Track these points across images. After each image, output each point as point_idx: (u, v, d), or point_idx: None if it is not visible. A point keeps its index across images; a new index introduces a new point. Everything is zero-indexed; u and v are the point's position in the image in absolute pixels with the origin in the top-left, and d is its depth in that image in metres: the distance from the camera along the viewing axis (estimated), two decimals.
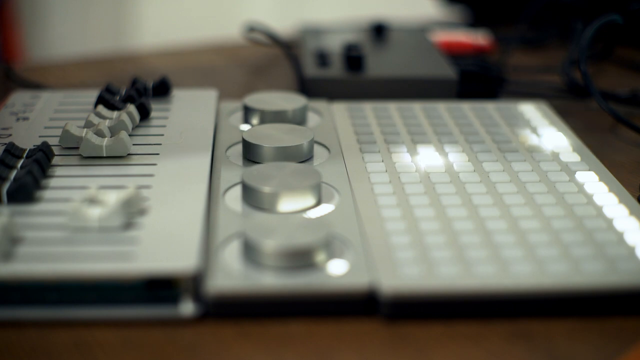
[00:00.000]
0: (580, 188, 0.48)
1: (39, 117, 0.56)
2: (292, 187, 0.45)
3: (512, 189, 0.48)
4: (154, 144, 0.51)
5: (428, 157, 0.52)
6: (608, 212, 0.45)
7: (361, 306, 0.39)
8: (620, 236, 0.43)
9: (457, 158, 0.52)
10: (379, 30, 0.79)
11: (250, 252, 0.40)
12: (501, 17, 0.94)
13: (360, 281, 0.39)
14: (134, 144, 0.51)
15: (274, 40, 0.77)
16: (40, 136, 0.52)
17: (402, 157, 0.52)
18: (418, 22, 0.90)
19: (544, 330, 0.38)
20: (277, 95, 0.59)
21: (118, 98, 0.57)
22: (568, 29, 0.84)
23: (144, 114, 0.55)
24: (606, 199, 0.47)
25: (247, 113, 0.57)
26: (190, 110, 0.58)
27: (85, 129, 0.51)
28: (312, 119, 0.59)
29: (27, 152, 0.48)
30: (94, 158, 0.49)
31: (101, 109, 0.54)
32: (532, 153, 0.53)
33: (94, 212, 0.41)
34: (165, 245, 0.40)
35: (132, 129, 0.53)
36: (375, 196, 0.47)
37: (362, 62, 0.67)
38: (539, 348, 0.37)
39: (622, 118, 0.60)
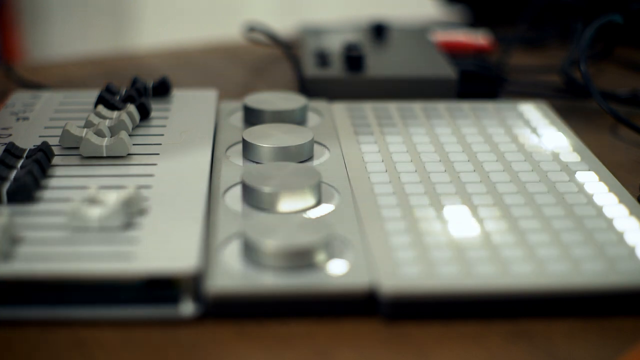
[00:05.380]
0: (580, 188, 0.48)
1: (39, 117, 0.56)
2: (292, 187, 0.45)
3: (512, 189, 0.48)
4: (154, 144, 0.51)
5: (428, 157, 0.52)
6: (608, 212, 0.45)
7: (361, 306, 0.39)
8: (620, 236, 0.43)
9: (457, 158, 0.52)
10: (379, 30, 0.79)
11: (250, 252, 0.40)
12: (501, 17, 0.94)
13: (360, 281, 0.39)
14: (134, 144, 0.51)
15: (274, 40, 0.77)
16: (40, 136, 0.52)
17: (402, 157, 0.52)
18: (418, 22, 0.90)
19: (544, 330, 0.38)
20: (277, 95, 0.59)
21: (118, 98, 0.57)
22: (568, 29, 0.84)
23: (144, 114, 0.55)
24: (606, 199, 0.47)
25: (247, 113, 0.57)
26: (190, 110, 0.58)
27: (85, 129, 0.51)
28: (312, 119, 0.59)
29: (27, 152, 0.48)
30: (94, 158, 0.49)
31: (101, 109, 0.54)
32: (532, 153, 0.53)
33: (94, 212, 0.41)
34: (165, 245, 0.40)
35: (132, 129, 0.53)
36: (375, 196, 0.47)
37: (362, 62, 0.67)
38: (539, 348, 0.37)
39: (622, 118, 0.60)
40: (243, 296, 0.38)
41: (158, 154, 0.50)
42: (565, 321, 0.39)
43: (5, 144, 0.49)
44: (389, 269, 0.39)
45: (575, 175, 0.50)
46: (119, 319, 0.38)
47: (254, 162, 0.51)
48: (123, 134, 0.50)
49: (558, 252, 0.41)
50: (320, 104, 0.61)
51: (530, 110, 0.61)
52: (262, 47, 0.81)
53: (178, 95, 0.61)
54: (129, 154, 0.50)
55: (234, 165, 0.50)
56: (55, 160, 0.49)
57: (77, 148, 0.50)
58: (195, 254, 0.39)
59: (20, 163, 0.47)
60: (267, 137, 0.51)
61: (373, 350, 0.37)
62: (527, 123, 0.58)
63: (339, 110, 0.60)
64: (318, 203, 0.45)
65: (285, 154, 0.50)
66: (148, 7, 1.82)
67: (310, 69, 0.68)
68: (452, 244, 0.42)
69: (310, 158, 0.52)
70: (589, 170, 0.51)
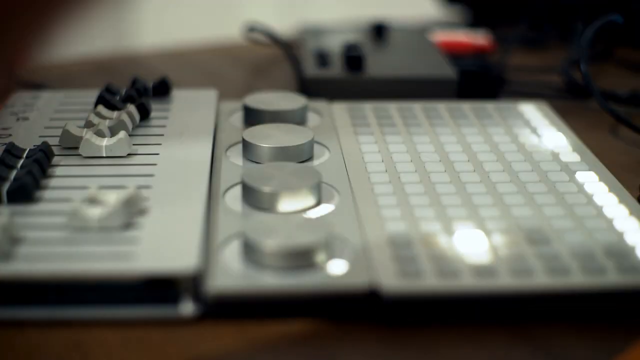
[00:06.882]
0: (580, 188, 0.48)
1: (39, 117, 0.56)
2: (292, 187, 0.45)
3: (512, 188, 0.48)
4: (154, 144, 0.51)
5: (428, 157, 0.52)
6: (608, 212, 0.45)
7: (361, 306, 0.39)
8: (620, 236, 0.43)
9: (457, 158, 0.52)
10: (379, 30, 0.79)
11: (250, 252, 0.40)
12: (501, 17, 0.94)
13: (360, 281, 0.39)
14: (134, 144, 0.51)
15: (274, 40, 0.77)
16: (40, 136, 0.52)
17: (402, 157, 0.52)
18: (418, 22, 0.90)
19: (544, 330, 0.38)
20: (277, 95, 0.59)
21: (118, 98, 0.57)
22: (568, 29, 0.84)
23: (144, 114, 0.55)
24: (606, 199, 0.47)
25: (247, 113, 0.57)
26: (190, 110, 0.58)
27: (85, 129, 0.51)
28: (312, 119, 0.59)
29: (27, 152, 0.48)
30: (94, 158, 0.49)
31: (101, 109, 0.54)
32: (532, 153, 0.53)
33: (94, 212, 0.41)
34: (165, 245, 0.40)
35: (132, 129, 0.53)
36: (375, 196, 0.47)
37: (362, 62, 0.67)
38: (539, 348, 0.37)
39: (622, 118, 0.60)
40: (243, 296, 0.38)
41: (158, 154, 0.50)
42: (565, 321, 0.39)
43: (5, 144, 0.49)
44: (388, 269, 0.39)
45: (575, 175, 0.50)
46: (119, 319, 0.38)
47: (254, 162, 0.51)
48: (123, 134, 0.50)
49: (558, 252, 0.41)
50: (320, 104, 0.61)
51: (530, 110, 0.61)
52: (262, 47, 0.81)
53: (178, 95, 0.61)
54: (129, 154, 0.50)
55: (234, 165, 0.50)
56: (55, 160, 0.49)
57: (77, 148, 0.50)
58: (195, 254, 0.39)
59: (20, 163, 0.47)
60: (267, 137, 0.51)
61: (373, 350, 0.37)
62: (527, 123, 0.58)
63: (339, 110, 0.60)
64: (318, 203, 0.45)
65: (285, 154, 0.50)
66: (148, 7, 1.82)
67: (310, 69, 0.68)
68: (451, 244, 0.42)
69: (310, 158, 0.52)
70: (589, 170, 0.51)
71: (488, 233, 0.43)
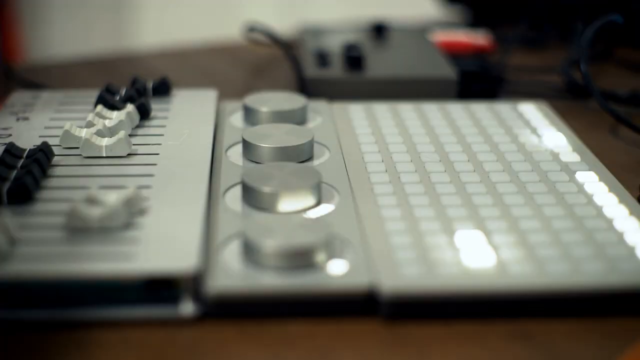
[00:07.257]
0: (580, 188, 0.48)
1: (39, 117, 0.56)
2: (292, 187, 0.45)
3: (512, 189, 0.48)
4: (154, 144, 0.51)
5: (428, 157, 0.52)
6: (608, 212, 0.45)
7: (361, 306, 0.39)
8: (620, 236, 0.43)
9: (457, 158, 0.52)
10: (379, 30, 0.79)
11: (250, 252, 0.40)
12: (501, 17, 0.94)
13: (360, 281, 0.39)
14: (134, 144, 0.51)
15: (274, 40, 0.77)
16: (40, 136, 0.52)
17: (402, 157, 0.52)
18: (418, 22, 0.90)
19: (544, 330, 0.38)
20: (277, 95, 0.59)
21: (118, 98, 0.57)
22: (568, 29, 0.84)
23: (144, 114, 0.55)
24: (606, 199, 0.47)
25: (247, 113, 0.57)
26: (190, 110, 0.58)
27: (85, 129, 0.51)
28: (312, 119, 0.59)
29: (27, 152, 0.48)
30: (94, 158, 0.49)
31: (101, 109, 0.54)
32: (532, 153, 0.53)
33: (94, 212, 0.41)
34: (165, 245, 0.40)
35: (132, 129, 0.53)
36: (375, 196, 0.47)
37: (362, 62, 0.67)
38: (539, 348, 0.37)
39: (622, 118, 0.60)
40: (243, 296, 0.38)
41: (158, 154, 0.50)
42: (565, 321, 0.39)
43: (5, 144, 0.49)
44: (389, 269, 0.39)
45: (575, 175, 0.50)
46: (119, 319, 0.38)
47: (254, 162, 0.51)
48: (123, 134, 0.50)
49: (558, 252, 0.41)
50: (320, 104, 0.61)
51: (530, 110, 0.61)
52: (262, 47, 0.81)
53: (178, 95, 0.61)
54: (129, 154, 0.50)
55: (234, 165, 0.50)
56: (55, 160, 0.49)
57: (77, 148, 0.50)
58: (195, 254, 0.39)
59: (20, 163, 0.47)
60: (267, 137, 0.51)
61: (373, 351, 0.37)
62: (527, 123, 0.58)
63: (339, 110, 0.60)
64: (318, 203, 0.45)
65: (285, 154, 0.50)
66: (148, 7, 1.82)
67: (310, 69, 0.68)
68: (451, 244, 0.42)
69: (310, 158, 0.52)
70: (589, 170, 0.51)
71: (488, 233, 0.43)
